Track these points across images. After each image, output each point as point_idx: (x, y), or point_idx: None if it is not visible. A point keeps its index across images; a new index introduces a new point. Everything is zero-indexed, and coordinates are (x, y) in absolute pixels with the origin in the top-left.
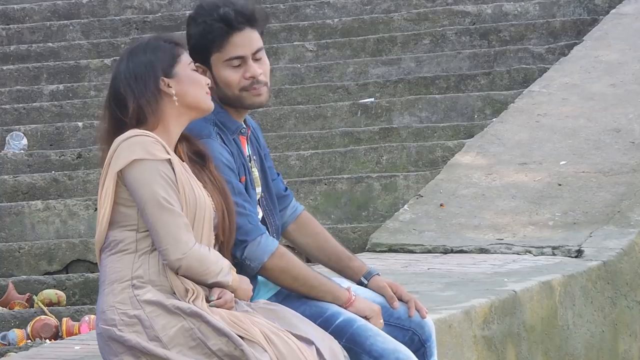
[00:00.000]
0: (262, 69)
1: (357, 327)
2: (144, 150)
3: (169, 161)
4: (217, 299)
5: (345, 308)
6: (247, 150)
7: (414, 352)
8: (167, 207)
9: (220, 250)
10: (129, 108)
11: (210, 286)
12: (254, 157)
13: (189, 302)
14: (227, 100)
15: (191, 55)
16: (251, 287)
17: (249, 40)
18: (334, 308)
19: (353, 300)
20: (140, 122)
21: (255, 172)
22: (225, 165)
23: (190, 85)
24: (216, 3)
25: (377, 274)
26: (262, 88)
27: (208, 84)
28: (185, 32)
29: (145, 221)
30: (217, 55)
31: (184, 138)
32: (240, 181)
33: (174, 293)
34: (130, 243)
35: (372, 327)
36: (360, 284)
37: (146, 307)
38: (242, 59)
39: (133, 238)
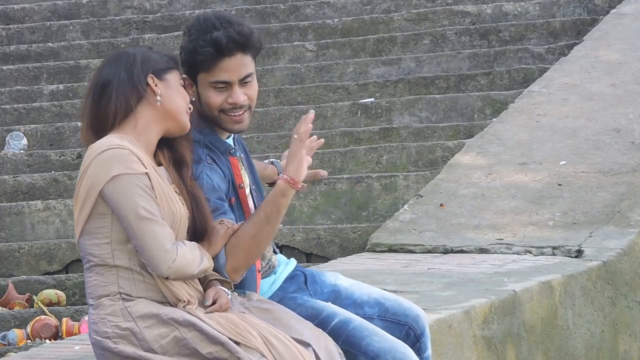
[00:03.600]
0: (247, 94)
1: (352, 327)
2: (121, 164)
3: (147, 175)
4: (212, 303)
5: (295, 186)
6: (242, 176)
7: (415, 347)
8: (150, 218)
9: None
10: (110, 98)
11: (194, 277)
12: (253, 186)
13: (182, 308)
14: (207, 119)
15: (184, 67)
16: None
17: (237, 65)
18: (330, 309)
19: (282, 179)
20: (119, 120)
21: (250, 201)
22: (214, 188)
23: (176, 94)
24: (213, 23)
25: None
26: (244, 114)
27: (190, 105)
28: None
29: (129, 234)
30: (203, 75)
31: (164, 144)
32: (230, 202)
33: (165, 302)
34: (107, 257)
35: (368, 326)
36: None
37: (138, 320)
38: (228, 84)
39: (109, 250)
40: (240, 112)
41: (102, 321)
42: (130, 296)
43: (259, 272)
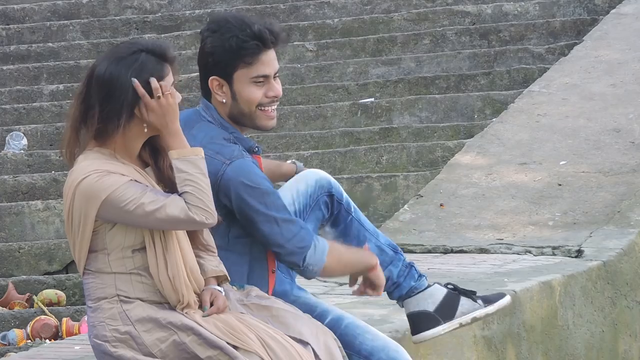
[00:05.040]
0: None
1: (345, 325)
2: (103, 187)
3: (131, 180)
4: (210, 305)
5: (369, 272)
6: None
7: (343, 216)
8: (157, 208)
9: None
10: (94, 119)
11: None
12: None
13: (181, 310)
14: (237, 117)
15: (206, 67)
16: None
17: (273, 59)
18: (323, 307)
19: (376, 264)
20: (102, 136)
21: None
22: (266, 179)
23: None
24: (245, 19)
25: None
26: (275, 110)
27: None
28: (177, 31)
29: (152, 230)
30: (243, 71)
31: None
32: None
33: (163, 303)
34: (104, 266)
35: (360, 324)
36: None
37: (137, 323)
38: (267, 78)
39: (105, 260)
40: (274, 107)
41: (100, 325)
42: (129, 297)
43: (273, 272)
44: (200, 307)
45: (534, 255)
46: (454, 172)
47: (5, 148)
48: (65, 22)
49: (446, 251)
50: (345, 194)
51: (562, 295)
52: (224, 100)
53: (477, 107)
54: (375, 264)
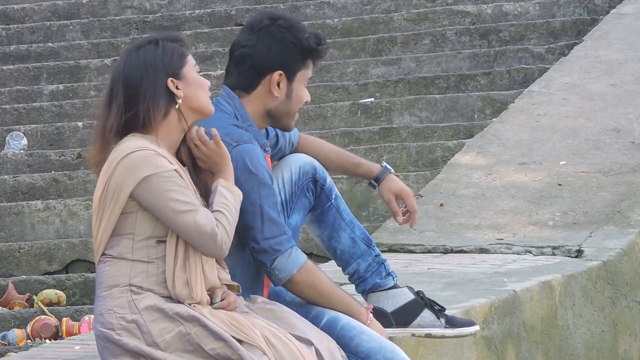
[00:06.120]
0: None
1: (341, 327)
2: (148, 165)
3: (175, 170)
4: (221, 300)
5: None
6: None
7: (322, 201)
8: (188, 210)
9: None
10: (137, 110)
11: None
12: None
13: (188, 305)
14: (278, 115)
15: (283, 60)
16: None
17: None
18: (318, 308)
19: (369, 324)
20: (144, 125)
21: None
22: (268, 172)
23: (196, 89)
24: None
25: (384, 177)
26: None
27: (209, 88)
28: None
29: (171, 228)
30: (305, 71)
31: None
32: None
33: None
34: (127, 252)
35: (356, 325)
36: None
37: (144, 312)
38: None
39: (129, 245)
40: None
41: (108, 312)
42: (141, 288)
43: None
44: (210, 303)
45: (534, 255)
46: (454, 172)
47: (5, 148)
48: (65, 22)
49: (446, 251)
50: (329, 179)
51: (562, 295)
52: (277, 96)
53: (477, 107)
54: (363, 322)
